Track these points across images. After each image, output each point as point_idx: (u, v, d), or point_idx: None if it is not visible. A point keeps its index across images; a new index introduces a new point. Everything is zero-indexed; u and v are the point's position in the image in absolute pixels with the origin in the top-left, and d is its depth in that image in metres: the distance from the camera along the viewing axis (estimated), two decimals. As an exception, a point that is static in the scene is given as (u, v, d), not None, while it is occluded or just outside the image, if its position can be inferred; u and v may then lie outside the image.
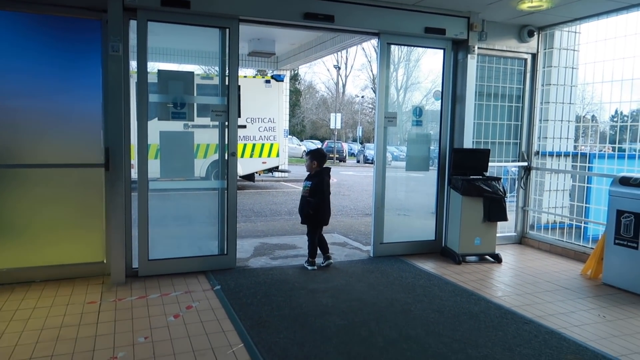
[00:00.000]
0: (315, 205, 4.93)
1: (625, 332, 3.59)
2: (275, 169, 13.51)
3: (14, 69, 4.26)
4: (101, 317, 3.63)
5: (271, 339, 3.30)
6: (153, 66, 4.69)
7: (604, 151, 6.85)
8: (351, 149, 35.32)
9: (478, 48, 5.55)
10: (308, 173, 5.14)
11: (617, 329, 3.65)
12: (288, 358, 3.02)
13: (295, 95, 38.41)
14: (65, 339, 3.23)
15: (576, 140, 6.61)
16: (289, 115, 18.28)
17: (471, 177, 5.43)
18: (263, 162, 12.85)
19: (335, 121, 30.92)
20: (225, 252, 4.93)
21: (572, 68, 6.27)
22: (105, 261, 4.58)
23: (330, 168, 5.23)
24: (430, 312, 3.88)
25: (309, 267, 5.01)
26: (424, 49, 5.84)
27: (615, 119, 6.19)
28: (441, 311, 3.89)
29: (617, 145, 5.52)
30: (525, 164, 6.24)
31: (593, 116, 6.48)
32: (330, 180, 5.22)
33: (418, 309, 3.93)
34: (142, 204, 4.54)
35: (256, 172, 13.16)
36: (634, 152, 5.58)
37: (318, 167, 5.07)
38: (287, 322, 3.60)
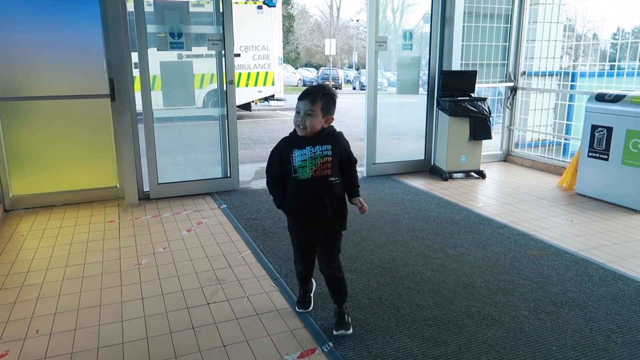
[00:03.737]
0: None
1: (587, 232, 4.05)
2: (271, 97, 13.64)
3: (13, 2, 4.39)
4: (122, 233, 4.07)
5: (275, 245, 3.75)
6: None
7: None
8: (347, 76, 34.94)
9: (467, -31, 5.61)
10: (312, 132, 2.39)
11: (581, 230, 4.10)
12: (289, 260, 3.47)
13: (288, 20, 37.36)
14: (94, 251, 3.68)
15: (576, 59, 6.71)
16: (283, 42, 18.08)
17: (458, 98, 5.70)
18: (259, 91, 12.95)
19: (330, 47, 30.41)
20: (229, 175, 5.31)
21: (561, -14, 6.35)
22: (118, 185, 4.97)
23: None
24: (416, 221, 4.32)
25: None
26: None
27: (616, 37, 6.29)
28: (426, 220, 4.34)
29: (617, 64, 5.68)
30: (512, 84, 6.48)
31: (594, 34, 6.51)
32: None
33: (405, 219, 4.37)
34: (148, 130, 4.84)
35: (252, 101, 13.30)
36: (632, 70, 5.69)
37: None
38: (288, 232, 4.03)
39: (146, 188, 5.01)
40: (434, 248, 3.69)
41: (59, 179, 4.80)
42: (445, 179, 5.74)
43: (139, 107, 4.79)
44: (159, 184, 5.00)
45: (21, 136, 4.62)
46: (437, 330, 2.59)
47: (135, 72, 4.74)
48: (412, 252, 3.61)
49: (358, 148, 8.09)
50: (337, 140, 2.45)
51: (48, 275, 3.26)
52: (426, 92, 6.10)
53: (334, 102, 2.40)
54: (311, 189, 2.41)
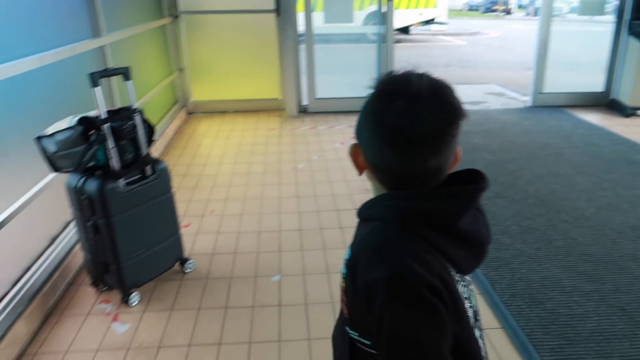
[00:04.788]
0: None
1: None
2: (432, 21, 12.93)
3: None
4: (282, 140, 4.41)
5: (424, 165, 3.74)
6: None
7: None
8: (520, 1, 31.40)
9: None
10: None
11: None
12: (438, 180, 3.46)
13: (458, -63, 34.20)
14: (258, 152, 4.08)
15: None
16: (451, -39, 16.75)
17: (659, 20, 4.81)
18: (420, 14, 12.34)
19: (504, -33, 27.35)
20: (383, 95, 5.32)
21: None
22: (280, 98, 5.32)
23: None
24: (583, 156, 3.92)
25: None
26: None
27: None
28: (596, 157, 3.91)
29: None
30: None
31: None
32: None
33: (571, 153, 3.99)
34: (309, 47, 5.01)
35: (412, 25, 12.79)
36: None
37: (369, 168, 0.84)
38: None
39: (304, 102, 5.28)
40: (602, 186, 3.34)
41: (230, 88, 5.29)
42: (627, 116, 5.02)
43: (300, 27, 4.96)
44: (316, 98, 5.23)
45: (201, 47, 5.14)
46: (593, 267, 2.41)
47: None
48: (574, 187, 3.32)
49: (524, 77, 7.43)
50: (352, 251, 0.83)
51: (221, 169, 3.72)
52: (615, 16, 5.23)
53: (364, 113, 0.83)
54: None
